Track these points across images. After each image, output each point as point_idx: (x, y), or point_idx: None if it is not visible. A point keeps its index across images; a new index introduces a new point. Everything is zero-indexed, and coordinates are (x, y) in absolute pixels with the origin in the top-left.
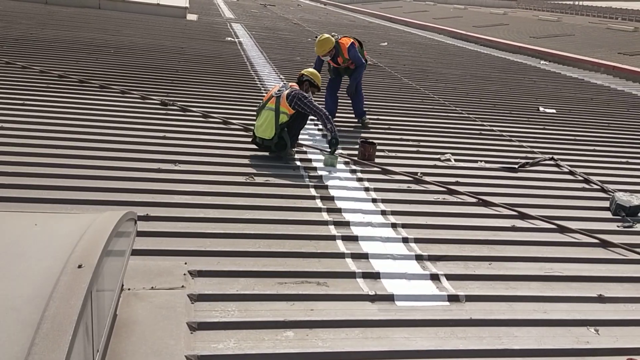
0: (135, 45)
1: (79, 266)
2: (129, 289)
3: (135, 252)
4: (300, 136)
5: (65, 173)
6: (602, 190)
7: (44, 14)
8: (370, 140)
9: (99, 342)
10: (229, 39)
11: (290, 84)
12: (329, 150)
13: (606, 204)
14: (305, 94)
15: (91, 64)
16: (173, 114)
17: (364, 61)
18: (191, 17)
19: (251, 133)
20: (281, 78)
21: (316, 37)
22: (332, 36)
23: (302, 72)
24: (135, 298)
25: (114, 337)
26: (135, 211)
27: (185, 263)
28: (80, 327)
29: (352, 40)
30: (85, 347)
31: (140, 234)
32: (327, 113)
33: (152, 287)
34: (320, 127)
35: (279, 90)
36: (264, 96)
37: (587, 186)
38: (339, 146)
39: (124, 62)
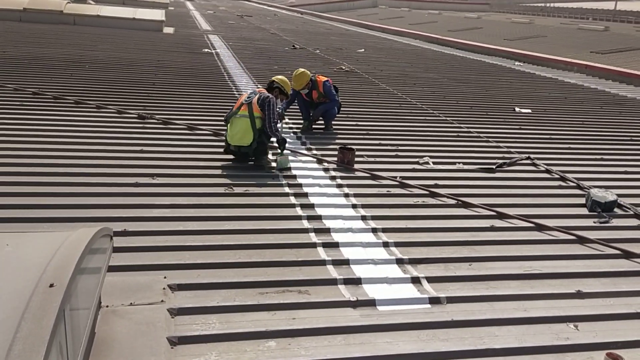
0: (110, 60)
1: (51, 285)
2: (107, 306)
3: (113, 269)
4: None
5: (41, 191)
6: (578, 187)
7: (18, 31)
8: (349, 146)
9: None
10: (206, 50)
11: (258, 89)
12: (279, 151)
13: (582, 200)
14: (274, 100)
15: (66, 80)
16: (151, 127)
17: (337, 98)
18: (168, 30)
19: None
20: (258, 87)
21: (293, 47)
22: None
23: (273, 78)
24: (114, 315)
25: (93, 356)
26: (112, 227)
27: (165, 277)
28: (53, 348)
29: (328, 78)
30: None
31: (118, 249)
32: (278, 129)
33: (131, 303)
34: (296, 129)
35: (248, 97)
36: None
37: (563, 184)
38: (286, 145)
39: (99, 77)
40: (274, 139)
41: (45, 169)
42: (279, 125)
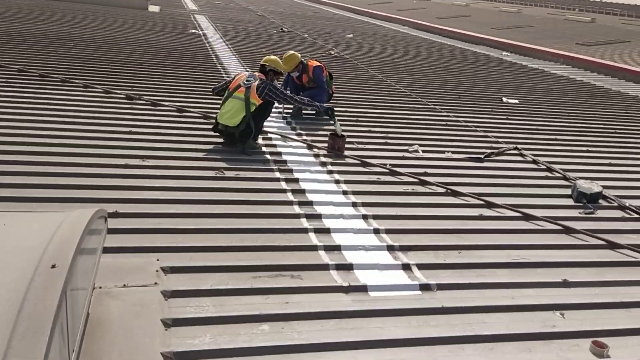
0: (96, 38)
1: (53, 266)
2: (100, 288)
3: (106, 250)
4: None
5: (28, 170)
6: (564, 178)
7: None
8: (341, 133)
9: (74, 342)
10: (193, 31)
11: (257, 74)
12: (331, 120)
13: (568, 191)
14: (274, 84)
15: (51, 58)
16: (139, 108)
17: (326, 87)
18: (153, 8)
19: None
20: (247, 70)
21: (282, 30)
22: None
23: (263, 62)
24: (107, 297)
25: (88, 336)
26: (104, 208)
27: (158, 259)
28: (56, 328)
29: (321, 64)
30: (61, 348)
31: (110, 231)
32: (299, 97)
33: (125, 285)
34: (285, 113)
35: (247, 81)
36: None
37: (549, 174)
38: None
39: (85, 56)
40: (309, 108)
41: (32, 147)
42: (294, 97)
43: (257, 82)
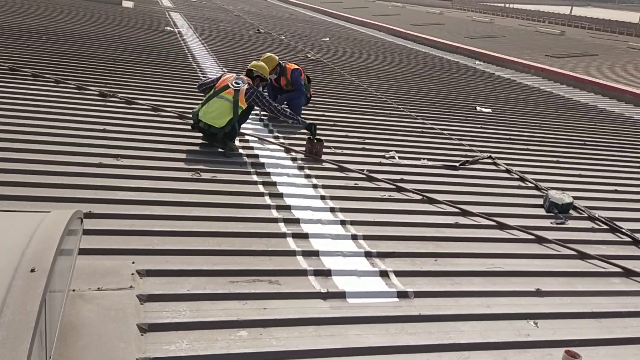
0: (68, 32)
1: (32, 270)
2: (74, 290)
3: (81, 251)
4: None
5: None
6: (536, 188)
7: None
8: (317, 137)
9: (51, 347)
10: (168, 28)
11: (244, 78)
12: (311, 135)
13: (540, 201)
14: (261, 91)
15: (22, 51)
16: (113, 105)
17: (304, 90)
18: (127, 4)
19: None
20: (224, 70)
21: (258, 31)
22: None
23: (251, 67)
24: (81, 300)
25: (61, 341)
26: (76, 208)
27: (133, 262)
28: (36, 334)
29: (299, 67)
30: (40, 354)
31: (85, 232)
32: (283, 108)
33: (99, 288)
34: (263, 116)
35: (237, 83)
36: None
37: (522, 184)
38: (316, 130)
39: (56, 50)
40: (290, 120)
41: (1, 144)
42: (279, 107)
43: (246, 86)
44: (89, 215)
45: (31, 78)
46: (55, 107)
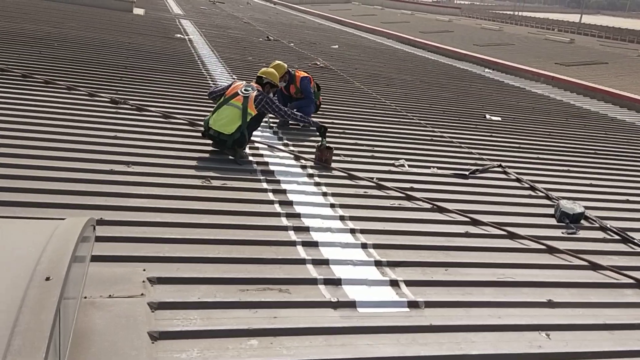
0: (80, 39)
1: (47, 278)
2: (85, 297)
3: (92, 259)
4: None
5: (8, 173)
6: (547, 197)
7: None
8: (327, 145)
9: (65, 354)
10: (179, 35)
11: (254, 84)
12: (320, 139)
13: (551, 210)
14: (271, 97)
15: (34, 58)
16: (124, 112)
17: (314, 97)
18: (138, 11)
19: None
20: (234, 78)
21: (268, 38)
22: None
23: (260, 74)
24: (92, 307)
25: (73, 348)
26: (88, 215)
27: (144, 270)
28: (51, 343)
29: (308, 75)
30: None
31: (96, 239)
32: (292, 111)
33: (110, 295)
34: (272, 123)
35: (246, 90)
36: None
37: (533, 193)
38: (326, 132)
39: (69, 57)
40: (301, 123)
41: (13, 150)
42: (289, 112)
43: (255, 93)
44: (101, 222)
45: (43, 85)
46: (67, 114)
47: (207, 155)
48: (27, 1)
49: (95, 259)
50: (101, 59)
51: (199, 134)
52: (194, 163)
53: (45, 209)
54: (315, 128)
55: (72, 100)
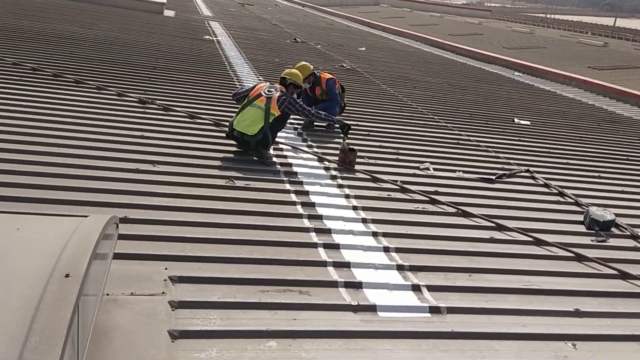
0: (110, 40)
1: (67, 275)
2: (107, 295)
3: (115, 256)
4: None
5: (37, 170)
6: (576, 204)
7: (16, 4)
8: (351, 147)
9: (83, 352)
10: (207, 37)
11: (277, 86)
12: (342, 135)
13: (580, 217)
14: (294, 97)
15: (66, 58)
16: (151, 112)
17: (339, 99)
18: (168, 13)
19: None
20: (260, 79)
21: (295, 40)
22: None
23: (284, 75)
24: (114, 304)
25: (93, 345)
26: (112, 212)
27: (166, 268)
28: (68, 340)
29: (334, 77)
30: (72, 359)
31: (119, 236)
32: (317, 110)
33: (132, 293)
34: (297, 125)
35: (269, 91)
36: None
37: (561, 199)
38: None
39: (99, 57)
40: (325, 122)
41: (43, 147)
42: (313, 111)
43: (278, 94)
44: (124, 220)
45: (73, 84)
46: (95, 113)
47: (231, 155)
48: (60, 3)
49: (118, 256)
50: (131, 60)
51: (224, 135)
52: (218, 163)
53: (70, 207)
54: (338, 126)
55: (101, 100)
